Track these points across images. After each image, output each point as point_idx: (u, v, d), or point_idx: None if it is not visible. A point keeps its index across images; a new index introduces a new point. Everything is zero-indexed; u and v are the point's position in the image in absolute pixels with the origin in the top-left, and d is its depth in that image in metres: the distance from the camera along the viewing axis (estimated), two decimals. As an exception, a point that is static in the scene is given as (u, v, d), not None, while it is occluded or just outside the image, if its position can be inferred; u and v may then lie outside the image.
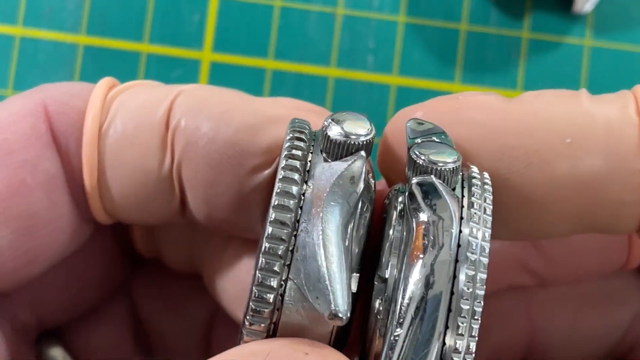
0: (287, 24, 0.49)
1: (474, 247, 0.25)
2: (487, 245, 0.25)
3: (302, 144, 0.26)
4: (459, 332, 0.24)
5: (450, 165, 0.25)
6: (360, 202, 0.26)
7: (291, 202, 0.25)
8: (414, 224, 0.25)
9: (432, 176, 0.25)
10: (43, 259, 0.29)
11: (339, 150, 0.25)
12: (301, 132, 0.26)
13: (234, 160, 0.28)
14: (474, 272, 0.24)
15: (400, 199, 0.26)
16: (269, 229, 0.24)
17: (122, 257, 0.33)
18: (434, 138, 0.26)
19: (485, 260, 0.25)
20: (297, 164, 0.25)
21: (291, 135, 0.26)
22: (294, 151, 0.25)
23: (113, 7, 0.49)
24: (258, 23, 0.49)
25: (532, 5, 0.49)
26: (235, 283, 0.31)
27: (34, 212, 0.28)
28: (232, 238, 0.31)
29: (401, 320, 0.24)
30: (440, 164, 0.25)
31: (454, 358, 0.24)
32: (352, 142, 0.25)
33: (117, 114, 0.29)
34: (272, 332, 0.25)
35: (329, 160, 0.25)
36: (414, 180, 0.25)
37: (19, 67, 0.48)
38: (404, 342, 0.24)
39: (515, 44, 0.49)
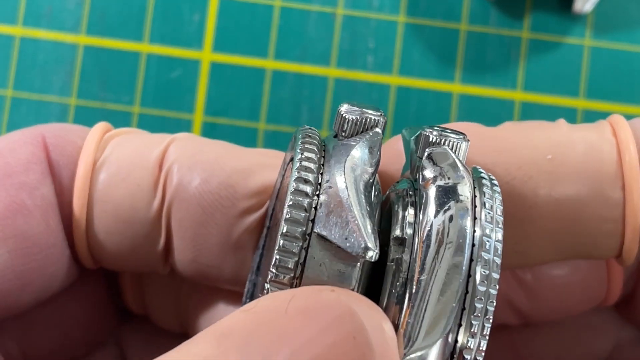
0: (287, 24, 0.49)
1: (487, 247, 0.25)
2: (500, 246, 0.25)
3: (315, 132, 0.27)
4: (472, 330, 0.25)
5: (459, 140, 0.26)
6: (375, 182, 0.26)
7: (312, 165, 0.26)
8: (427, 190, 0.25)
9: (445, 147, 0.26)
10: (34, 287, 0.29)
11: (355, 127, 0.26)
12: (312, 128, 0.27)
13: (226, 202, 0.29)
14: (487, 272, 0.25)
15: (406, 185, 0.27)
16: (293, 185, 0.25)
17: (113, 307, 0.34)
18: (436, 128, 0.27)
19: (498, 260, 0.25)
20: (315, 141, 0.26)
21: (303, 127, 0.27)
22: (308, 132, 0.26)
23: (113, 7, 0.49)
24: (258, 23, 0.49)
25: (532, 5, 0.49)
26: None
27: (31, 235, 0.28)
28: (217, 290, 0.31)
29: (419, 297, 0.24)
30: (450, 138, 0.26)
31: (465, 355, 0.24)
32: (368, 118, 0.26)
33: (112, 152, 0.30)
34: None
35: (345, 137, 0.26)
36: (427, 150, 0.26)
37: (19, 67, 0.48)
38: (422, 320, 0.24)
39: (515, 44, 0.49)
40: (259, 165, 0.29)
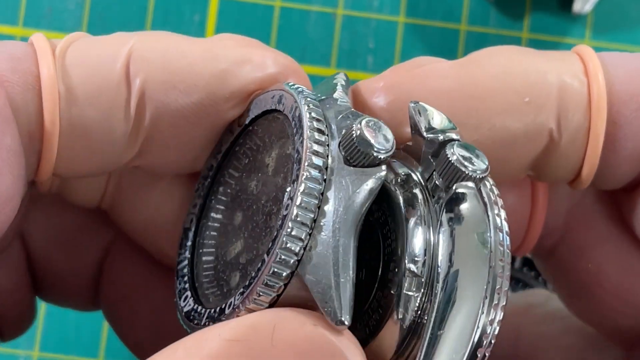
0: (287, 24, 0.49)
1: (501, 239, 0.26)
2: (508, 240, 0.26)
3: (322, 136, 0.26)
4: (491, 317, 0.26)
5: (481, 173, 0.27)
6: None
7: (315, 192, 0.26)
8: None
9: (472, 183, 0.26)
10: None
11: (363, 159, 0.26)
12: (319, 121, 0.27)
13: (210, 109, 0.29)
14: (503, 264, 0.26)
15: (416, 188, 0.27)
16: (293, 218, 0.25)
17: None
18: (456, 148, 0.27)
19: (508, 253, 0.26)
20: (320, 162, 0.26)
21: (310, 123, 0.27)
22: (315, 147, 0.26)
23: (113, 7, 0.49)
24: (258, 23, 0.49)
25: (532, 5, 0.49)
26: (166, 218, 0.31)
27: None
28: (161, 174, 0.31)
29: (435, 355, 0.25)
30: (476, 171, 0.26)
31: (484, 341, 0.25)
32: (376, 156, 0.26)
33: (72, 76, 0.28)
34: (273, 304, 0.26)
35: (349, 164, 0.26)
36: (454, 188, 0.26)
37: (20, 67, 0.48)
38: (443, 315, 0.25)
39: (516, 44, 0.49)
40: (235, 63, 0.29)
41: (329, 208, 0.26)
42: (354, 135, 0.26)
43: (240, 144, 0.30)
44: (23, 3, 0.49)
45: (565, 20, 0.49)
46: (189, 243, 0.30)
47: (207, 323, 0.27)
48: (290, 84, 0.28)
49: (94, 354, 0.48)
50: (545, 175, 0.30)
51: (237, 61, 0.29)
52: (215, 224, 0.30)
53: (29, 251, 0.33)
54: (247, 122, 0.29)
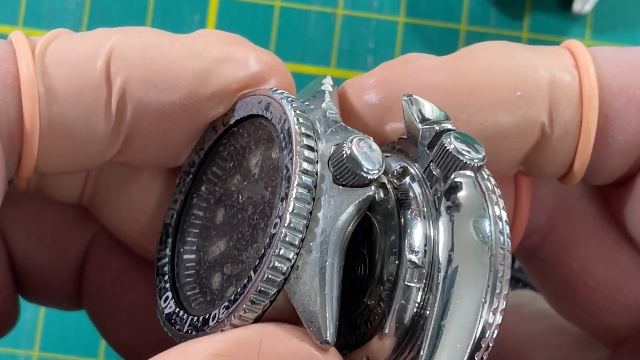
0: (287, 24, 0.49)
1: (501, 228, 0.26)
2: (508, 229, 0.26)
3: (312, 154, 0.26)
4: (494, 307, 0.26)
5: (478, 161, 0.26)
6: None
7: (304, 212, 0.26)
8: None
9: (471, 172, 0.26)
10: None
11: (352, 179, 0.26)
12: (309, 137, 0.27)
13: (191, 109, 0.28)
14: (504, 253, 0.26)
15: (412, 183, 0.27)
16: (282, 237, 0.25)
17: None
18: (453, 138, 0.27)
19: (509, 242, 0.26)
20: (309, 181, 0.26)
21: (300, 139, 0.26)
22: (305, 165, 0.26)
23: (113, 7, 0.49)
24: (258, 23, 0.49)
25: (532, 5, 0.49)
26: (146, 213, 0.31)
27: None
28: (142, 169, 0.31)
29: (439, 345, 0.25)
30: (468, 157, 0.26)
31: (487, 331, 0.25)
32: (365, 177, 0.26)
33: (52, 75, 0.28)
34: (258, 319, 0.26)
35: (338, 182, 0.26)
36: (452, 177, 0.26)
37: (20, 67, 0.49)
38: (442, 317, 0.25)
39: (515, 44, 0.49)
40: (216, 62, 0.28)
41: (317, 229, 0.26)
42: (345, 155, 0.26)
43: (225, 144, 0.29)
44: (23, 3, 0.49)
45: (565, 20, 0.49)
46: (170, 240, 0.30)
47: (189, 331, 0.27)
48: (277, 91, 0.28)
49: (94, 354, 0.48)
50: (537, 170, 0.30)
51: (218, 59, 0.28)
52: (197, 222, 0.30)
53: (10, 250, 0.33)
54: (231, 122, 0.29)
